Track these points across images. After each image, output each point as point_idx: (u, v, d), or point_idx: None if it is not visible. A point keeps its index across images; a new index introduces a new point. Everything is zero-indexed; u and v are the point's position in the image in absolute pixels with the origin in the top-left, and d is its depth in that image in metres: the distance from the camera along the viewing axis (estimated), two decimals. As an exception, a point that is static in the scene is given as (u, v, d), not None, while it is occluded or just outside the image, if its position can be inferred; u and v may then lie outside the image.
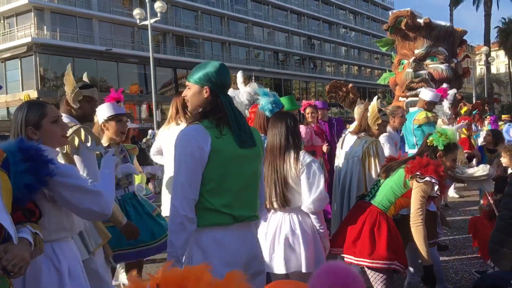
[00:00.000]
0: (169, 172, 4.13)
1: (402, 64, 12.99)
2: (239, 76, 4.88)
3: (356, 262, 3.19)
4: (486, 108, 14.77)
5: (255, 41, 45.70)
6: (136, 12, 20.34)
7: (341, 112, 44.00)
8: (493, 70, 68.83)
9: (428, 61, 12.72)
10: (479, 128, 12.54)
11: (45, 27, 31.16)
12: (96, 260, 2.80)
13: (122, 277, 4.52)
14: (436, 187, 3.10)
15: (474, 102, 16.58)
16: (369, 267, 3.16)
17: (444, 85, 8.44)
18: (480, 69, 55.67)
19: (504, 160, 4.72)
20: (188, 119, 3.79)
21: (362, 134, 4.23)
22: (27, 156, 1.96)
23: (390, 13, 20.65)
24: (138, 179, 5.64)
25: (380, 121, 4.18)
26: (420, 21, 12.47)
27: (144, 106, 35.61)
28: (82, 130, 2.87)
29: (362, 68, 61.52)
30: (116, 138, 3.47)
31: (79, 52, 31.78)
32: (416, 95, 12.13)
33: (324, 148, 6.61)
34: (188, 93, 2.33)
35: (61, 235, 2.23)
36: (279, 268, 3.01)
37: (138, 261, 3.69)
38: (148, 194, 6.21)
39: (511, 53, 61.00)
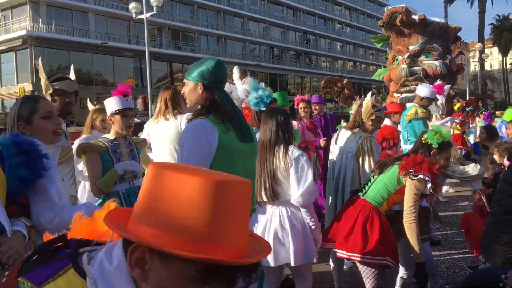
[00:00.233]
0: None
1: (397, 60, 13.02)
2: (236, 71, 4.88)
3: (348, 257, 3.23)
4: (479, 104, 14.83)
5: (251, 36, 45.61)
6: (132, 6, 20.26)
7: (335, 107, 44.05)
8: (487, 66, 69.11)
9: (422, 58, 12.75)
10: (471, 124, 12.60)
11: (40, 20, 30.95)
12: None
13: None
14: (429, 185, 3.13)
15: (467, 99, 16.67)
16: (361, 262, 3.19)
17: (439, 82, 8.46)
18: (474, 66, 55.86)
19: (495, 157, 4.76)
20: (177, 114, 3.78)
21: (357, 129, 4.24)
22: (22, 149, 1.97)
23: (385, 9, 20.65)
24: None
25: (374, 117, 4.19)
26: (415, 17, 12.49)
27: (139, 100, 35.50)
28: None
29: (357, 63, 61.58)
30: (122, 132, 3.46)
31: (75, 46, 31.60)
32: (411, 91, 12.19)
33: (322, 142, 6.63)
34: (186, 90, 2.40)
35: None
36: (268, 260, 3.07)
37: None
38: None
39: (505, 50, 61.31)
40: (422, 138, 3.40)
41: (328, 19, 55.84)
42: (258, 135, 3.90)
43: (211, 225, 0.87)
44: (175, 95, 3.86)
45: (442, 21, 13.07)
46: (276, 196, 3.07)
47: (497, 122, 10.37)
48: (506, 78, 63.97)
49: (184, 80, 2.41)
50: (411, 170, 3.14)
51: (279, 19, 48.77)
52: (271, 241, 3.06)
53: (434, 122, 7.13)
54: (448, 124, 7.67)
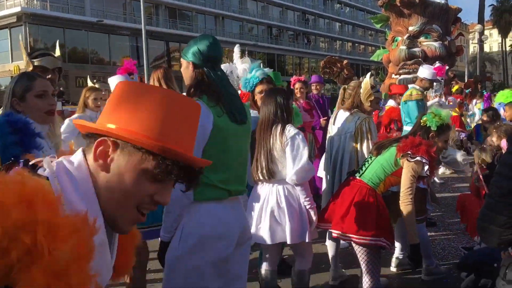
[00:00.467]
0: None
1: (396, 41, 12.93)
2: (236, 50, 4.83)
3: (343, 237, 3.25)
4: (478, 86, 14.79)
5: (249, 15, 45.13)
6: (128, -17, 19.93)
7: (334, 88, 43.94)
8: (486, 48, 68.80)
9: (422, 39, 12.67)
10: (468, 106, 12.58)
11: (34, -4, 30.52)
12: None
13: None
14: (426, 167, 3.13)
15: (466, 81, 16.61)
16: (356, 243, 3.21)
17: (438, 64, 8.41)
18: (473, 48, 55.61)
19: (493, 139, 4.76)
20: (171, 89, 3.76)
21: (355, 110, 4.22)
22: (16, 129, 1.95)
23: (385, -12, 20.36)
24: None
25: (372, 98, 4.17)
26: (416, -3, 12.37)
27: (136, 79, 35.25)
28: None
29: (356, 44, 61.16)
30: None
31: (70, 23, 31.21)
32: (409, 73, 12.14)
33: (322, 122, 6.64)
34: (181, 69, 2.37)
35: None
36: (266, 239, 3.13)
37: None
38: None
39: (505, 31, 60.92)
40: (421, 121, 3.39)
41: (327, -1, 55.30)
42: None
43: (165, 127, 1.04)
44: (167, 74, 3.82)
45: (443, 1, 12.94)
46: (272, 174, 3.10)
47: (494, 104, 10.37)
48: (505, 60, 63.77)
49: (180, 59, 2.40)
50: (409, 152, 3.14)
51: (277, -2, 48.27)
52: (267, 220, 3.10)
53: (429, 102, 7.10)
54: (436, 104, 7.66)
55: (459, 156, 4.66)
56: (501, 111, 7.70)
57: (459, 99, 11.11)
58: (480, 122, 8.18)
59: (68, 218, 0.86)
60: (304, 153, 3.03)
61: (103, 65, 32.75)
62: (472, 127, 10.45)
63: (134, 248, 1.23)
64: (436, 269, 4.25)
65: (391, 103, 8.98)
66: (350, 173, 3.53)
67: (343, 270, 4.30)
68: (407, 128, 5.73)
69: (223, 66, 4.62)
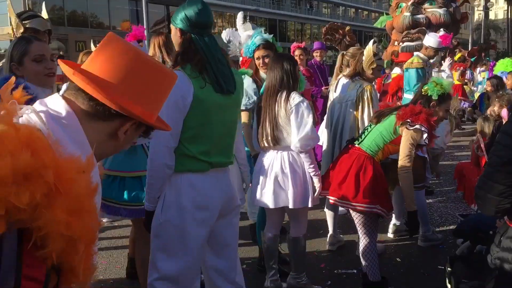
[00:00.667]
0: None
1: (400, 7, 12.71)
2: (240, 17, 4.76)
3: (340, 204, 3.30)
4: (482, 55, 14.62)
5: (251, -21, 44.17)
6: None
7: (335, 55, 43.46)
8: (491, 16, 67.61)
9: (426, 5, 12.45)
10: (473, 74, 12.46)
11: (32, -43, 29.77)
12: None
13: None
14: (425, 136, 3.14)
15: (470, 49, 16.41)
16: (352, 209, 3.26)
17: (442, 31, 8.29)
18: (478, 15, 54.62)
19: (495, 108, 4.75)
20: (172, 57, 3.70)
21: (357, 78, 4.20)
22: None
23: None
24: None
25: (375, 65, 4.14)
26: (421, -38, 12.08)
27: (145, 47, 34.82)
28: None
29: (359, 10, 60.06)
30: None
31: (69, -14, 30.58)
32: (412, 41, 11.98)
33: (324, 91, 6.62)
34: (171, 35, 2.31)
35: None
36: (269, 203, 3.18)
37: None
38: None
39: (511, -2, 59.64)
40: (422, 90, 3.38)
41: (331, -38, 53.96)
42: (247, 82, 3.86)
43: (137, 86, 1.12)
44: (167, 41, 3.74)
45: (449, -34, 12.64)
46: (277, 141, 3.13)
47: (497, 73, 10.28)
48: (510, 28, 62.76)
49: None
50: (408, 120, 3.14)
51: (280, -38, 47.10)
52: (271, 185, 3.15)
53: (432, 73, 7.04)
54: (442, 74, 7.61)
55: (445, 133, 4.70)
56: (504, 80, 7.66)
57: (461, 67, 11.00)
58: (484, 91, 8.12)
59: (71, 160, 0.90)
60: (309, 121, 3.04)
61: (102, 29, 32.23)
62: (476, 96, 10.41)
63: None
64: (432, 236, 4.32)
65: (397, 70, 8.90)
66: (349, 141, 3.55)
67: (341, 235, 4.38)
68: (407, 96, 5.71)
69: (224, 32, 4.58)
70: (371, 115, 3.75)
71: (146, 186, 2.28)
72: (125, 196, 2.89)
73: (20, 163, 0.81)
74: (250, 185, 3.30)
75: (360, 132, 3.70)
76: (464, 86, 11.34)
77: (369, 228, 3.25)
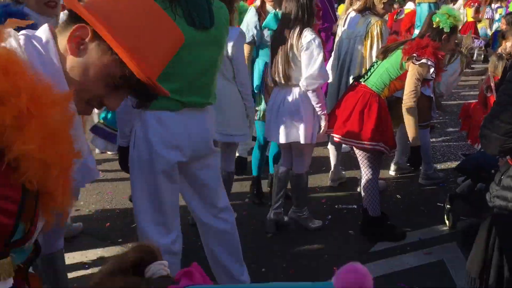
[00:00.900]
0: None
1: None
2: None
3: (344, 142, 3.31)
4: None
5: None
6: None
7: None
8: None
9: None
10: (494, 12, 11.99)
11: None
12: None
13: None
14: (432, 70, 3.07)
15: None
16: (356, 147, 3.27)
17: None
18: None
19: (508, 43, 4.61)
20: None
21: (367, 12, 4.04)
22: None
23: None
24: None
25: (386, 0, 3.98)
26: None
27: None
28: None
29: None
30: None
31: None
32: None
33: (335, 28, 6.41)
34: None
35: None
36: (281, 138, 3.23)
37: None
38: None
39: None
40: (433, 22, 3.25)
41: None
42: (249, 14, 3.72)
43: (143, 47, 1.04)
44: None
45: None
46: (288, 78, 3.12)
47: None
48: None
49: None
50: (414, 55, 3.06)
51: None
52: (283, 120, 3.18)
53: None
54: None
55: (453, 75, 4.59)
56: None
57: (476, 3, 10.60)
58: (499, 29, 7.87)
59: (47, 86, 0.88)
60: (318, 59, 2.99)
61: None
62: (490, 34, 10.11)
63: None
64: (434, 174, 4.37)
65: (411, 5, 8.57)
66: (356, 78, 3.50)
67: (343, 172, 4.43)
68: (418, 32, 5.55)
69: None
70: (380, 51, 3.66)
71: (117, 121, 2.26)
72: None
73: None
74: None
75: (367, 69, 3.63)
76: (480, 24, 10.98)
77: (372, 165, 3.28)
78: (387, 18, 5.05)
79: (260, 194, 3.99)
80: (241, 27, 3.56)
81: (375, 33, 3.92)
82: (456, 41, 3.35)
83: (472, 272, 2.06)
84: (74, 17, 1.03)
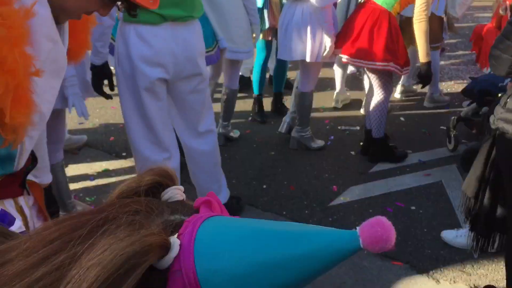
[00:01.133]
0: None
1: None
2: None
3: (352, 62, 3.23)
4: None
5: None
6: None
7: None
8: None
9: None
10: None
11: None
12: None
13: None
14: None
15: None
16: (365, 68, 3.20)
17: None
18: None
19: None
20: None
21: None
22: None
23: None
24: None
25: None
26: None
27: None
28: None
29: None
30: None
31: None
32: None
33: None
34: None
35: None
36: (288, 55, 3.23)
37: None
38: None
39: None
40: None
41: None
42: None
43: None
44: None
45: None
46: None
47: None
48: None
49: None
50: None
51: None
52: (290, 37, 3.15)
53: None
54: None
55: None
56: None
57: None
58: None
59: None
60: None
61: None
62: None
63: (87, 31, 1.22)
64: (439, 97, 4.33)
65: None
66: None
67: (348, 93, 4.39)
68: None
69: None
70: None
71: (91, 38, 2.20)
72: None
73: None
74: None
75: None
76: None
77: (383, 85, 3.22)
78: None
79: (262, 113, 3.99)
80: None
81: None
82: None
83: (468, 192, 2.10)
84: None
